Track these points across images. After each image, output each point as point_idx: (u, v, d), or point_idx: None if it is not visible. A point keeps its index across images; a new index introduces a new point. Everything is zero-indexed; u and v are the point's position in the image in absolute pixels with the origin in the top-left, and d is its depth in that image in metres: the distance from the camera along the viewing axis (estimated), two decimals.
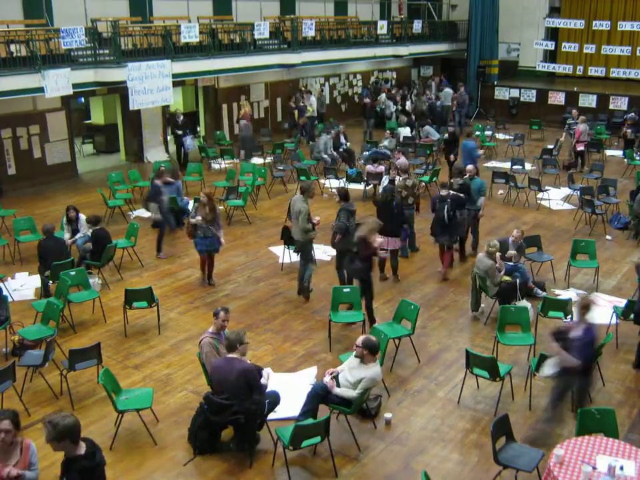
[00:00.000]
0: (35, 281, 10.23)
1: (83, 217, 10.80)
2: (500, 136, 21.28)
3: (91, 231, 10.40)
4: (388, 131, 18.08)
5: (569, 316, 8.41)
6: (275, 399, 6.57)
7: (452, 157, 15.47)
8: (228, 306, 9.46)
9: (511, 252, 9.71)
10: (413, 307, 8.21)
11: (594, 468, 5.21)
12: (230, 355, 6.30)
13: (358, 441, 6.60)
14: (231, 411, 6.17)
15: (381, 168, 14.83)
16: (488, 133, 20.70)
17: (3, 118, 15.06)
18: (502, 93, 25.13)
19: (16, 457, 4.79)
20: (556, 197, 14.80)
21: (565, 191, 15.17)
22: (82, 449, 4.37)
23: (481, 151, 14.99)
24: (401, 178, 11.59)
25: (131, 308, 8.91)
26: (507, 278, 9.19)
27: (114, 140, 19.09)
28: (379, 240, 8.71)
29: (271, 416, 6.66)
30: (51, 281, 9.48)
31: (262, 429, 6.54)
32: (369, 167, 14.87)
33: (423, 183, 13.82)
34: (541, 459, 5.77)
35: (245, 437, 6.40)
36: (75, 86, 14.07)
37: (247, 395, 6.16)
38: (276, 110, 22.24)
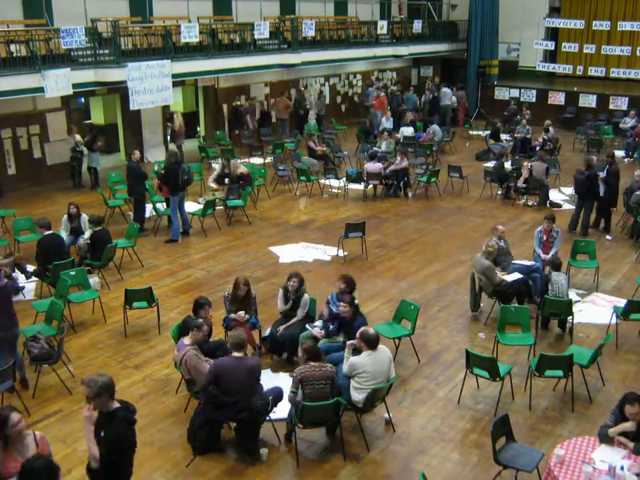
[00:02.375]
0: (35, 280, 10.22)
1: (85, 216, 10.78)
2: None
3: (91, 231, 10.40)
4: (385, 133, 18.00)
5: None
6: (278, 395, 6.60)
7: None
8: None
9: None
10: (412, 307, 8.22)
11: (594, 468, 5.21)
12: (236, 354, 6.37)
13: (360, 439, 6.61)
14: (237, 408, 6.19)
15: (379, 165, 14.79)
16: (488, 132, 20.67)
17: (2, 118, 15.06)
18: (502, 93, 25.11)
19: (33, 449, 4.97)
20: (556, 197, 14.80)
21: (566, 190, 15.19)
22: (117, 404, 4.91)
23: None
24: None
25: (131, 308, 8.91)
26: (506, 276, 9.18)
27: (114, 140, 19.08)
28: None
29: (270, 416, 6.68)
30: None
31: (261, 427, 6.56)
32: (368, 165, 14.85)
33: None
34: (541, 459, 5.77)
35: (251, 434, 6.42)
36: (74, 86, 14.06)
37: (255, 391, 6.33)
38: (277, 109, 22.22)
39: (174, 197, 12.32)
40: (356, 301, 7.58)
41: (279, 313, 8.23)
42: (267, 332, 8.20)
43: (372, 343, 6.44)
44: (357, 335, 6.61)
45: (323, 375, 6.28)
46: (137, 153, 12.89)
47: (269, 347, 8.11)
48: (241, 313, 7.96)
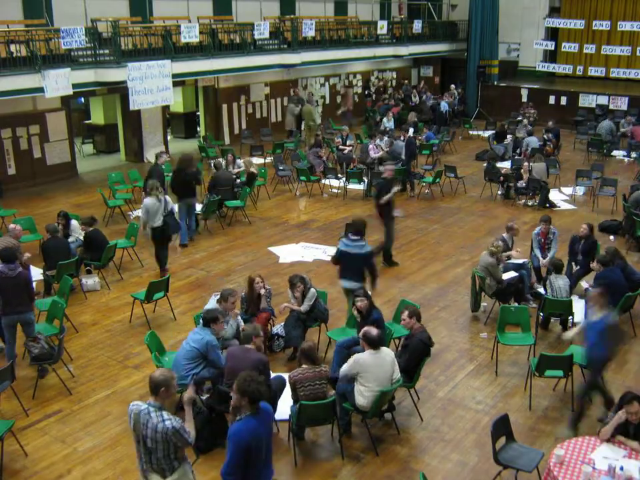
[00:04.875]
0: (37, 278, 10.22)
1: (74, 222, 10.73)
2: None
3: (83, 233, 10.39)
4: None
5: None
6: (281, 384, 6.69)
7: None
8: None
9: (511, 253, 9.73)
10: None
11: (594, 468, 5.22)
12: (246, 346, 6.51)
13: (360, 439, 6.61)
14: None
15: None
16: (491, 132, 20.68)
17: (3, 118, 15.06)
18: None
19: None
20: (556, 197, 14.80)
21: (566, 190, 15.20)
22: None
23: None
24: None
25: (149, 302, 9.01)
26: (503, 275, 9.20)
27: (114, 140, 19.10)
28: None
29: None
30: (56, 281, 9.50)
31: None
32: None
33: None
34: (541, 459, 5.77)
35: None
36: (74, 86, 14.07)
37: None
38: (277, 109, 22.26)
39: (181, 201, 11.85)
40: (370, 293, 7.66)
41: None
42: (274, 329, 8.30)
43: (374, 343, 6.41)
44: (360, 335, 6.59)
45: (315, 375, 6.34)
46: (163, 157, 12.31)
47: (283, 344, 8.22)
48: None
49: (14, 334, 7.69)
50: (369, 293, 7.67)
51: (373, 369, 6.33)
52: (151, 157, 17.93)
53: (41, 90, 13.49)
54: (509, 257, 9.63)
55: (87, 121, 20.89)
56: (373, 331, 6.52)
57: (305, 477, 6.21)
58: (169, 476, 4.70)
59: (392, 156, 15.89)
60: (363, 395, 6.35)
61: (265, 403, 4.91)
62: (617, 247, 11.86)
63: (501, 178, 14.87)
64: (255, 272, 8.59)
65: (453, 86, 24.83)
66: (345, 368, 6.48)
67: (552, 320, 8.94)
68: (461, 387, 7.60)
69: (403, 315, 7.10)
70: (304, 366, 6.40)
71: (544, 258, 9.91)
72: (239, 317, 7.79)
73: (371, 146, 15.88)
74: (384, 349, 6.53)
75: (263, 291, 8.19)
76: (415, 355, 6.81)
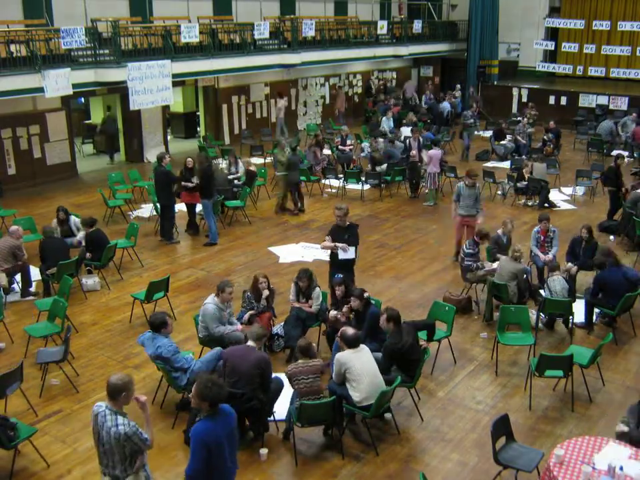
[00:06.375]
0: (36, 278, 10.23)
1: (74, 218, 10.73)
2: None
3: (84, 233, 10.40)
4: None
5: None
6: (278, 386, 6.69)
7: None
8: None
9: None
10: (447, 308, 8.15)
11: (594, 468, 5.21)
12: (250, 344, 6.55)
13: (359, 439, 6.61)
14: (245, 398, 6.28)
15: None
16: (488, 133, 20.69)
17: (3, 118, 15.06)
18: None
19: None
20: (556, 197, 14.80)
21: (566, 190, 15.20)
22: None
23: None
24: None
25: (149, 302, 9.01)
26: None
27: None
28: None
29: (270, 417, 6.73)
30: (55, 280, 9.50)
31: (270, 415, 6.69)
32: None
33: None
34: (541, 459, 5.77)
35: (259, 423, 6.51)
36: (74, 86, 14.08)
37: (259, 383, 6.38)
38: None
39: (208, 201, 11.96)
40: (366, 294, 7.67)
41: (291, 301, 8.47)
42: (274, 329, 8.29)
43: (351, 343, 6.47)
44: (338, 334, 6.69)
45: (309, 369, 6.42)
46: (167, 158, 12.23)
47: (284, 344, 8.21)
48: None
49: None
50: (366, 292, 7.68)
51: (356, 361, 6.38)
52: (151, 157, 17.94)
53: (41, 90, 13.49)
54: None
55: (86, 121, 20.90)
56: (349, 330, 6.59)
57: (305, 477, 6.21)
58: None
59: (389, 155, 15.93)
60: (355, 390, 6.37)
61: (225, 405, 4.96)
62: (616, 246, 11.94)
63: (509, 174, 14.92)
64: (259, 272, 8.57)
65: (458, 86, 24.69)
66: (335, 373, 6.54)
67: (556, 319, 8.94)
68: (461, 387, 7.60)
69: (382, 317, 7.08)
70: (300, 361, 6.52)
71: (544, 254, 9.92)
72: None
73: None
74: (363, 346, 6.57)
75: (265, 292, 8.16)
76: (386, 358, 6.85)
